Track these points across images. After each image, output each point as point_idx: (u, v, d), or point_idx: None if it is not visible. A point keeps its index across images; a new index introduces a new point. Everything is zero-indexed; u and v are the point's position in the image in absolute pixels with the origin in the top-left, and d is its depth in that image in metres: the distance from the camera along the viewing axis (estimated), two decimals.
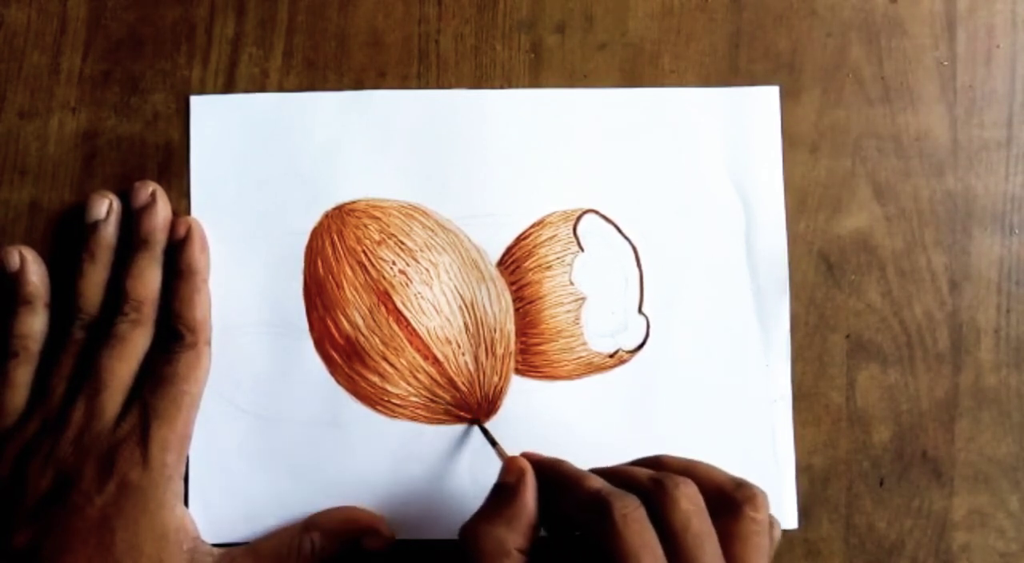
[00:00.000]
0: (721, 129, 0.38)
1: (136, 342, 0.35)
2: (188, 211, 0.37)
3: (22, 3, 0.38)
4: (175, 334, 0.35)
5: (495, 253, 0.38)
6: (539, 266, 0.38)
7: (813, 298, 0.38)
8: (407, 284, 0.37)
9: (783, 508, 0.37)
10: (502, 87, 0.38)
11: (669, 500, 0.28)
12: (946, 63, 0.39)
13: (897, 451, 0.37)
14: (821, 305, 0.38)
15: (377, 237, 0.37)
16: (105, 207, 0.36)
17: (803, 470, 0.37)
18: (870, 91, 0.38)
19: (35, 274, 0.36)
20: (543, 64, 0.38)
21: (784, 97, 0.38)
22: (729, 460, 0.37)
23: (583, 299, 0.38)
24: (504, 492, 0.30)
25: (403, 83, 0.38)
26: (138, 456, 0.33)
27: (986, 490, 0.37)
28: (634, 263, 0.38)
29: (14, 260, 0.36)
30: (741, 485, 0.30)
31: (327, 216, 0.37)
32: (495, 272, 0.38)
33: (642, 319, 0.38)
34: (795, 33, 0.39)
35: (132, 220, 0.36)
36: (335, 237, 0.37)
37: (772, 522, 0.30)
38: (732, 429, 0.37)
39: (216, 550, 0.35)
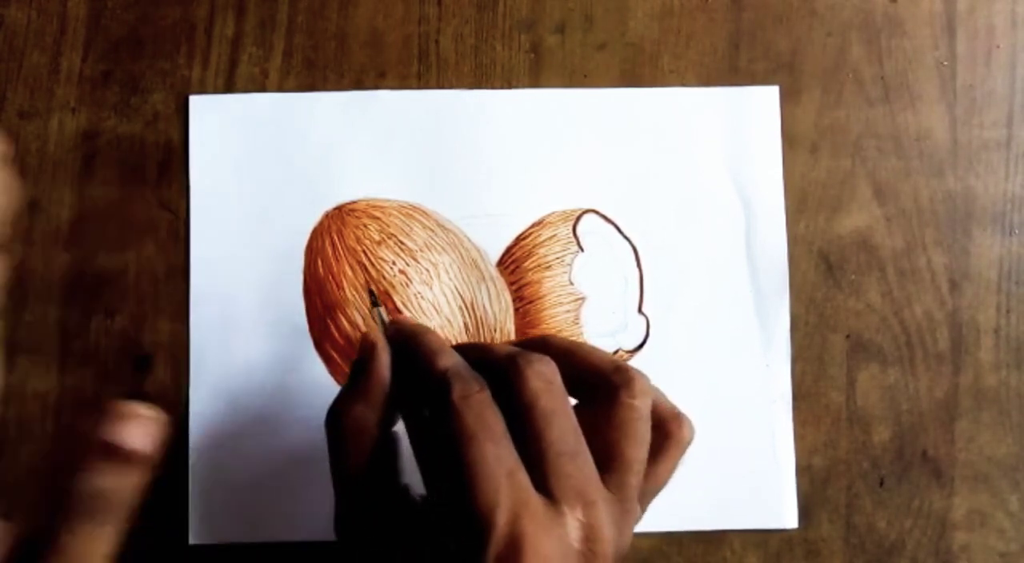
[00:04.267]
0: (721, 129, 0.38)
1: None
2: (187, 211, 0.37)
3: (22, 3, 0.38)
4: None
5: (495, 253, 0.38)
6: (539, 266, 0.38)
7: (813, 298, 0.38)
8: (407, 284, 0.37)
9: (783, 508, 0.37)
10: (502, 87, 0.38)
11: (518, 377, 0.27)
12: (946, 63, 0.39)
13: (897, 451, 0.37)
14: (821, 305, 0.38)
15: (377, 237, 0.37)
16: None
17: (803, 470, 0.37)
18: (870, 91, 0.38)
19: None
20: (543, 64, 0.38)
21: (784, 97, 0.38)
22: (729, 460, 0.37)
23: (583, 299, 0.38)
24: (358, 368, 0.29)
25: (403, 83, 0.38)
26: None
27: (986, 490, 0.37)
28: (634, 263, 0.38)
29: None
30: (619, 369, 0.28)
31: (327, 216, 0.37)
32: (495, 272, 0.38)
33: (642, 319, 0.38)
34: (795, 33, 0.39)
35: None
36: (335, 237, 0.37)
37: (681, 421, 0.29)
38: (732, 429, 0.37)
39: None
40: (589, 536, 0.26)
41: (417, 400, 0.28)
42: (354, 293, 0.37)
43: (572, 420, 0.27)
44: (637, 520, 0.28)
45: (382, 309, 0.34)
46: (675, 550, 0.37)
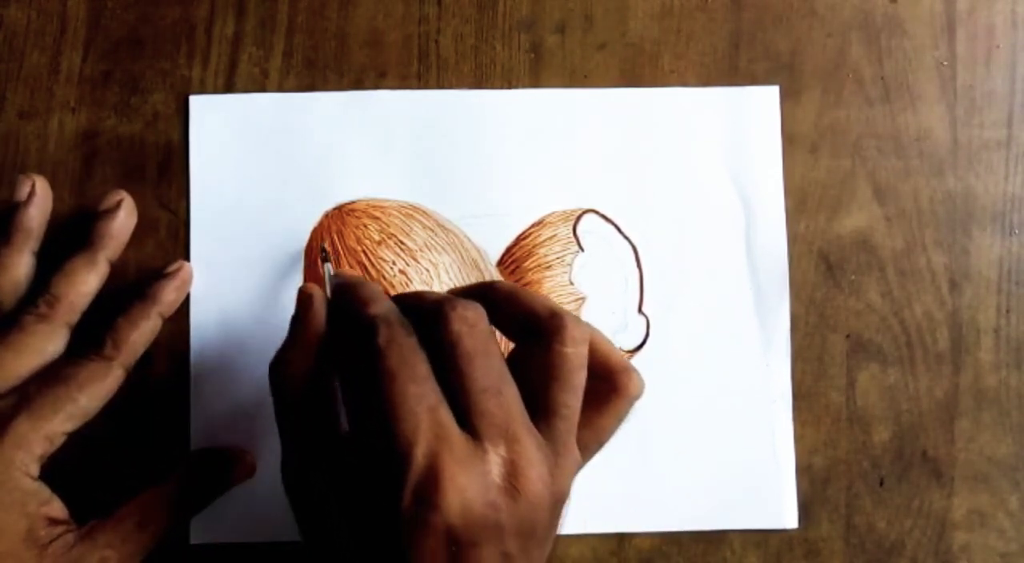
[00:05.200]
0: (721, 129, 0.38)
1: (36, 337, 0.33)
2: (187, 211, 0.37)
3: (22, 3, 0.38)
4: (98, 340, 0.34)
5: (495, 253, 0.38)
6: (539, 266, 0.38)
7: (813, 298, 0.38)
8: (407, 284, 0.37)
9: (783, 508, 0.37)
10: (502, 87, 0.38)
11: (442, 320, 0.27)
12: (946, 63, 0.39)
13: (897, 451, 0.37)
14: (821, 305, 0.38)
15: (377, 237, 0.37)
16: (27, 190, 0.35)
17: (803, 470, 0.37)
18: (870, 91, 0.38)
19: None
20: (543, 64, 0.38)
21: (784, 97, 0.38)
22: (729, 460, 0.37)
23: (583, 299, 0.38)
24: (294, 320, 0.30)
25: (403, 83, 0.38)
26: None
27: (986, 490, 0.37)
28: (634, 263, 0.38)
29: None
30: (554, 315, 0.28)
31: (327, 216, 0.37)
32: (495, 272, 0.38)
33: (642, 319, 0.38)
34: (795, 33, 0.39)
35: (90, 220, 0.36)
36: (335, 237, 0.37)
37: (631, 374, 0.29)
38: (732, 428, 0.37)
39: (82, 526, 0.33)
40: (512, 472, 0.26)
41: (348, 346, 0.29)
42: None
43: (497, 360, 0.27)
44: (578, 468, 0.28)
45: (329, 265, 0.35)
46: (675, 550, 0.37)
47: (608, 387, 0.29)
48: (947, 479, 0.37)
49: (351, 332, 0.28)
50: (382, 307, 0.28)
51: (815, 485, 0.37)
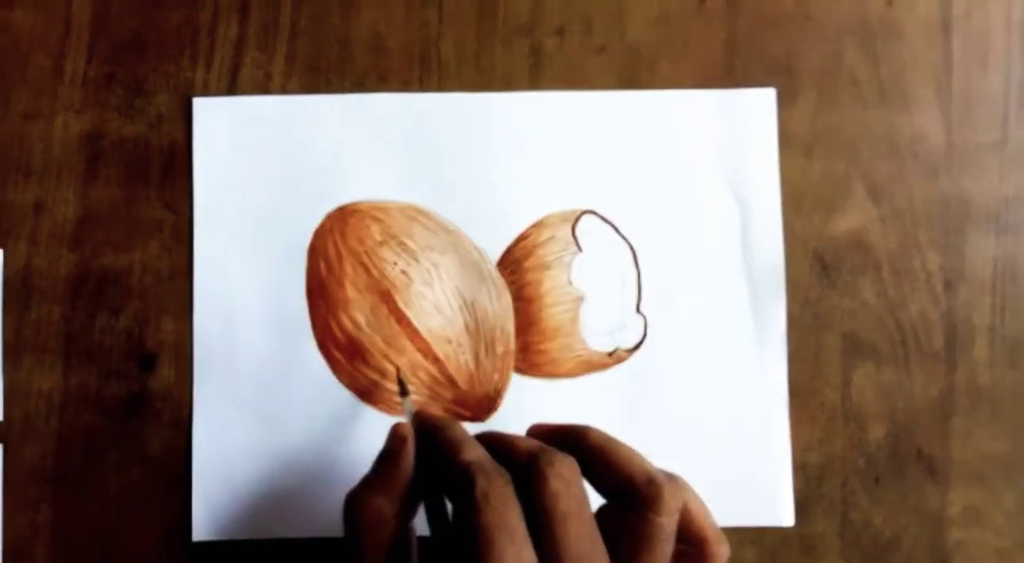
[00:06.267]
0: (718, 131, 0.38)
1: None
2: (191, 212, 0.38)
3: (27, 6, 0.38)
4: None
5: (495, 253, 0.38)
6: (538, 266, 0.38)
7: (808, 298, 0.38)
8: (408, 284, 0.38)
9: (779, 505, 0.37)
10: (503, 91, 0.38)
11: (539, 477, 0.27)
12: (941, 66, 0.39)
13: (892, 448, 0.38)
14: (816, 305, 0.38)
15: (379, 238, 0.38)
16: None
17: (799, 467, 0.37)
18: (865, 94, 0.39)
19: None
20: (542, 68, 0.39)
21: (780, 100, 0.39)
22: (725, 458, 0.37)
23: (582, 298, 0.38)
24: (383, 458, 0.30)
25: (404, 87, 0.38)
26: None
27: (981, 487, 0.38)
28: (632, 263, 0.38)
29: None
30: (652, 481, 0.27)
31: (329, 217, 0.38)
32: (495, 272, 0.38)
33: (640, 318, 0.38)
34: (791, 37, 0.39)
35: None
36: (337, 238, 0.38)
37: (722, 542, 0.29)
38: (728, 427, 0.37)
39: None
40: None
41: (440, 493, 0.28)
42: (356, 293, 0.37)
43: (590, 524, 0.27)
44: None
45: (410, 399, 0.34)
46: None
47: (698, 553, 0.29)
48: (942, 476, 0.38)
49: (444, 479, 0.28)
50: (475, 452, 0.28)
51: (810, 482, 0.38)
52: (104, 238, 0.38)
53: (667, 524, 0.27)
